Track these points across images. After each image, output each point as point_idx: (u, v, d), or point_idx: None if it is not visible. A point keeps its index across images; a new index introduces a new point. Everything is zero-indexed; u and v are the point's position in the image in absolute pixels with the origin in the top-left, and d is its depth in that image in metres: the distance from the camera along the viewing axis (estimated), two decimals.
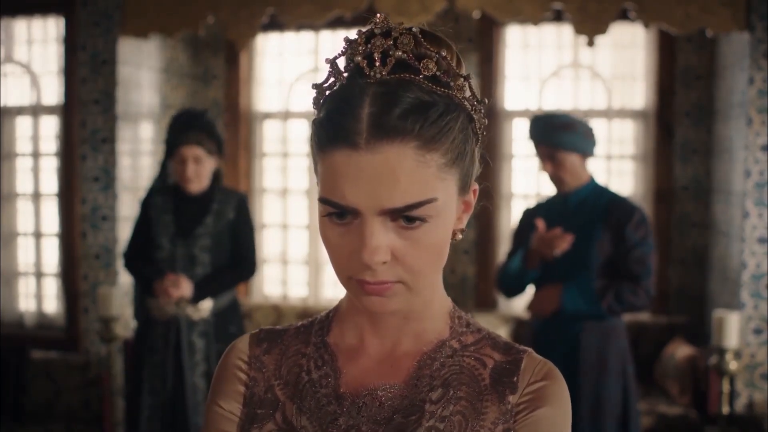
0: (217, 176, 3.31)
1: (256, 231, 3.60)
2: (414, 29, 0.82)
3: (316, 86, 0.85)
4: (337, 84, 0.83)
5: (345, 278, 0.84)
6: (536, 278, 2.99)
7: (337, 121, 0.79)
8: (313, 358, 0.93)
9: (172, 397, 3.19)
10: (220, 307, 3.25)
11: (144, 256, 3.28)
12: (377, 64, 0.80)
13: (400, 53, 0.80)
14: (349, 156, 0.78)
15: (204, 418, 0.95)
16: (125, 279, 4.28)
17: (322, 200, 0.81)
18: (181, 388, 3.17)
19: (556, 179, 2.95)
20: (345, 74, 0.83)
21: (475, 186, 0.89)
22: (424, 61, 0.81)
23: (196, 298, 3.16)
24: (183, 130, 3.18)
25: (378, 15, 0.82)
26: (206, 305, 3.21)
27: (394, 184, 0.77)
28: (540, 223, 2.86)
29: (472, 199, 0.89)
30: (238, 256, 3.27)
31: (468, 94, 0.84)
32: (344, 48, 0.83)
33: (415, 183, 0.78)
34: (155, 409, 3.21)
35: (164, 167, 3.32)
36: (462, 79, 0.83)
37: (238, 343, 0.97)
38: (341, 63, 0.84)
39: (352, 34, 0.83)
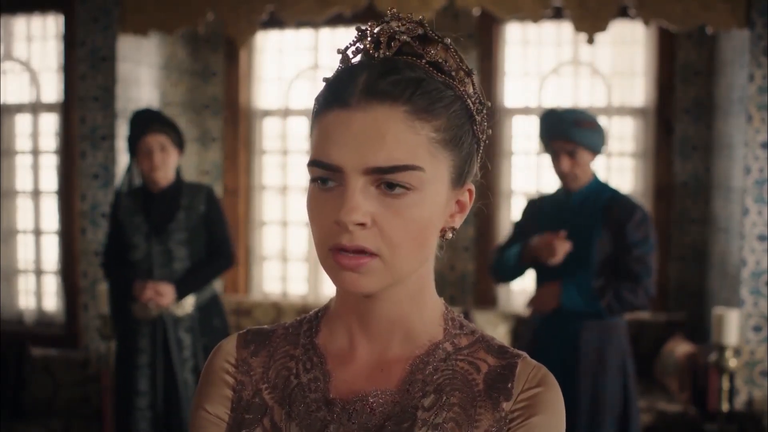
0: (179, 172, 3.30)
1: (258, 227, 3.60)
2: (423, 18, 0.84)
3: (326, 80, 0.86)
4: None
5: (325, 252, 0.82)
6: (537, 275, 2.99)
7: (335, 87, 0.82)
8: (302, 360, 0.90)
9: (165, 396, 3.20)
10: (203, 301, 3.27)
11: (120, 260, 3.27)
12: (383, 46, 0.82)
13: (405, 37, 0.82)
14: (340, 115, 0.80)
15: (190, 422, 0.92)
16: None
17: (310, 163, 0.82)
18: (173, 385, 3.18)
19: (568, 176, 2.86)
20: (353, 59, 0.85)
21: (471, 187, 0.88)
22: (429, 47, 0.83)
23: (180, 295, 3.17)
24: (146, 122, 3.18)
25: (391, 9, 0.85)
26: (189, 300, 3.22)
27: (380, 143, 0.78)
28: (549, 235, 2.82)
29: (468, 200, 0.89)
30: (213, 248, 3.27)
31: (470, 90, 0.85)
32: (356, 36, 0.85)
33: (402, 146, 0.79)
34: (148, 409, 3.21)
35: (129, 169, 3.31)
36: (463, 73, 0.84)
37: (225, 344, 0.94)
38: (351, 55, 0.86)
39: (364, 25, 0.85)
